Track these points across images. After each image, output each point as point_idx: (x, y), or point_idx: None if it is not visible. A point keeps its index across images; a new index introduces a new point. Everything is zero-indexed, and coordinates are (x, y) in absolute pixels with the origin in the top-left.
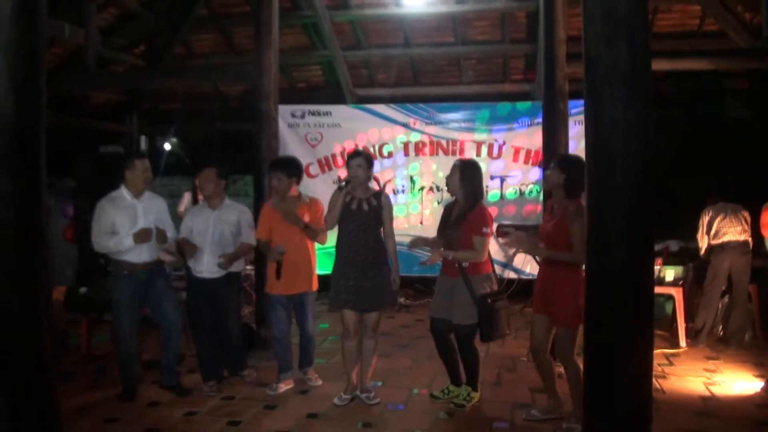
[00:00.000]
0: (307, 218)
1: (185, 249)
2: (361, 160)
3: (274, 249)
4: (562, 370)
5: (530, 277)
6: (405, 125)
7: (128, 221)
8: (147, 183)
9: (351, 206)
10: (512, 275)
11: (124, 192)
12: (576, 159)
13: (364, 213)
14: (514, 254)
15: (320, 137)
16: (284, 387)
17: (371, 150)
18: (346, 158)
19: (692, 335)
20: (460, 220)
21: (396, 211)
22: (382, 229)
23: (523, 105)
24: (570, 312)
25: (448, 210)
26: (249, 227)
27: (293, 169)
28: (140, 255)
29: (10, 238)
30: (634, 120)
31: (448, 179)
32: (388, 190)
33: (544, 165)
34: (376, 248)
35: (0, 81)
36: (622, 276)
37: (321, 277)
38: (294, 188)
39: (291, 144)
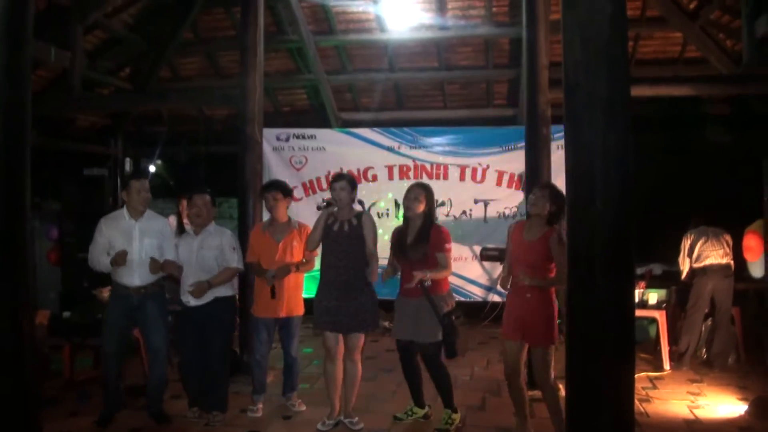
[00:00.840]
0: (296, 243)
1: (173, 271)
2: (344, 183)
3: (267, 273)
4: (538, 393)
5: None
6: (389, 149)
7: (123, 241)
8: (144, 204)
9: (333, 227)
10: (496, 298)
11: (123, 212)
12: (562, 193)
13: (344, 234)
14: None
15: (305, 160)
16: (262, 407)
17: (355, 173)
18: (330, 181)
19: (676, 358)
20: (423, 240)
21: (381, 234)
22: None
23: (506, 130)
24: (548, 332)
25: (400, 234)
26: (231, 249)
27: (288, 190)
28: (132, 278)
29: None
30: (614, 146)
31: (411, 202)
32: (373, 214)
33: (527, 189)
34: (357, 269)
35: None
36: (604, 301)
37: (306, 301)
38: (285, 213)
39: (275, 167)
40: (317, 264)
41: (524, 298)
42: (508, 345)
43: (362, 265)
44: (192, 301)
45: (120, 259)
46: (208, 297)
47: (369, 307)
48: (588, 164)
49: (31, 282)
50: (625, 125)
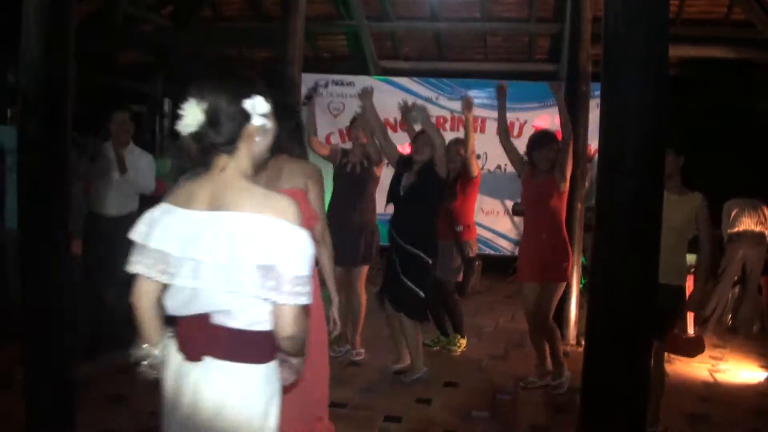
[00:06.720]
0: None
1: None
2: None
3: None
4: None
5: None
6: (428, 100)
7: None
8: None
9: (346, 168)
10: None
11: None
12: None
13: (356, 175)
14: None
15: (343, 107)
16: None
17: (393, 122)
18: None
19: (700, 323)
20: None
21: None
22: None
23: (545, 85)
24: (565, 268)
25: None
26: None
27: None
28: None
29: (37, 177)
30: (649, 102)
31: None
32: None
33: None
34: (363, 209)
35: (30, 26)
36: (627, 261)
37: None
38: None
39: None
40: None
41: (549, 242)
42: (529, 287)
43: (367, 205)
44: None
45: None
46: None
47: (368, 243)
48: (621, 118)
49: (70, 198)
50: (662, 82)
